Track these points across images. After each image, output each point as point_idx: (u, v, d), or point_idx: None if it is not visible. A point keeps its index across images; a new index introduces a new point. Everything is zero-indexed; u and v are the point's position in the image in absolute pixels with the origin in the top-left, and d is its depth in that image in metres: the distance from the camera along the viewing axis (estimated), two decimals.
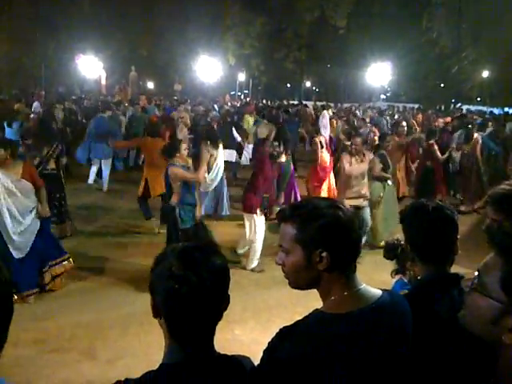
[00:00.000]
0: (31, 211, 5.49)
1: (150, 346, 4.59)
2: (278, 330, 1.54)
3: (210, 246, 1.52)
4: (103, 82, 31.80)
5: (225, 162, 11.16)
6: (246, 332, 4.68)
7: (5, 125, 10.59)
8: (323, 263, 1.51)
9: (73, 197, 8.83)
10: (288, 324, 1.57)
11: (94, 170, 10.81)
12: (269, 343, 1.53)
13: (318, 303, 5.12)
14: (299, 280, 1.60)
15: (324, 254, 1.50)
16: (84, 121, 13.62)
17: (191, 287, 1.37)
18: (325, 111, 15.02)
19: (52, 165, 7.30)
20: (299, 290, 1.64)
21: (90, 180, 10.82)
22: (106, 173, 10.72)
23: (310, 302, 5.39)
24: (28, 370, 4.12)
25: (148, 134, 8.75)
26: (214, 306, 1.43)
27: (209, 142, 8.52)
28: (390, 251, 2.10)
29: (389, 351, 1.52)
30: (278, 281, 6.24)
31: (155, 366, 1.48)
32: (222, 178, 8.95)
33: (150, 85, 37.11)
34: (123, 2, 31.27)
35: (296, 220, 1.55)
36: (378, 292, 1.59)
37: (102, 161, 10.70)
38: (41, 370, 4.24)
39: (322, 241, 1.51)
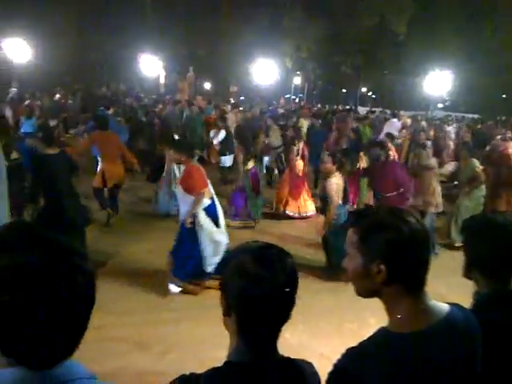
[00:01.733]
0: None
1: (201, 342, 4.69)
2: (344, 352, 1.51)
3: (278, 247, 1.50)
4: (162, 80, 32.52)
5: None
6: (294, 336, 4.69)
7: None
8: (381, 275, 1.48)
9: None
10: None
11: None
12: (335, 365, 1.49)
13: (368, 312, 5.07)
14: (359, 287, 1.58)
15: (382, 267, 1.47)
16: (143, 119, 13.96)
17: (265, 287, 1.37)
18: (395, 119, 14.82)
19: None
20: (362, 297, 1.61)
21: None
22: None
23: (360, 309, 5.40)
24: (82, 356, 4.27)
25: (99, 128, 8.50)
26: (284, 307, 1.43)
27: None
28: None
29: (458, 370, 1.49)
30: (328, 287, 6.27)
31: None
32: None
33: (207, 85, 37.63)
34: (184, 4, 31.89)
35: (359, 228, 1.54)
36: (446, 307, 1.54)
37: None
38: (95, 357, 4.33)
39: (380, 254, 1.48)
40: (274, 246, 1.50)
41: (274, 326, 1.45)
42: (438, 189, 7.90)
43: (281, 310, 1.42)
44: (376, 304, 1.59)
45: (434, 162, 8.04)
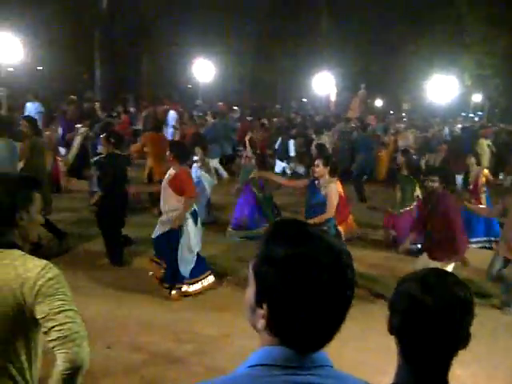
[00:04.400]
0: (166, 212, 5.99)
1: (365, 364, 4.63)
2: None
3: (454, 276, 1.51)
4: (333, 98, 32.87)
5: None
6: (467, 374, 4.39)
7: None
8: None
9: None
10: None
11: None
12: None
13: None
14: None
15: None
16: (314, 136, 14.24)
17: (426, 311, 1.38)
18: None
19: None
20: None
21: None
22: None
23: None
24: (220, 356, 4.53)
25: (152, 130, 9.84)
26: (447, 336, 1.40)
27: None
28: None
29: None
30: (508, 325, 5.78)
31: None
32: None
33: (378, 103, 37.10)
34: (358, 21, 31.97)
35: None
36: None
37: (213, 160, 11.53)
38: (232, 357, 4.49)
39: None
40: (445, 275, 1.49)
41: (436, 353, 1.42)
42: None
43: (440, 338, 1.40)
44: None
45: None
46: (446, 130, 18.26)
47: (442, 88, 30.43)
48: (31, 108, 13.64)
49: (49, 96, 20.55)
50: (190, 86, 31.60)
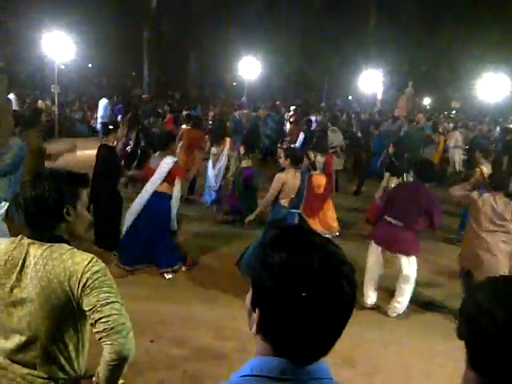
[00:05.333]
0: None
1: (408, 367, 4.54)
2: None
3: None
4: (379, 96, 32.38)
5: None
6: None
7: None
8: None
9: None
10: None
11: None
12: None
13: None
14: None
15: None
16: (359, 134, 14.03)
17: (494, 324, 1.30)
18: None
19: None
20: None
21: None
22: None
23: None
24: None
25: (192, 126, 10.49)
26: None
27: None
28: None
29: None
30: None
31: None
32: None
33: (426, 101, 36.29)
34: (408, 20, 31.37)
35: None
36: None
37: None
38: None
39: None
40: None
41: (509, 367, 1.33)
42: None
43: (504, 352, 1.30)
44: None
45: None
46: (497, 130, 17.66)
47: (493, 87, 29.45)
48: (105, 105, 16.86)
49: (99, 93, 21.09)
50: (234, 84, 31.78)
